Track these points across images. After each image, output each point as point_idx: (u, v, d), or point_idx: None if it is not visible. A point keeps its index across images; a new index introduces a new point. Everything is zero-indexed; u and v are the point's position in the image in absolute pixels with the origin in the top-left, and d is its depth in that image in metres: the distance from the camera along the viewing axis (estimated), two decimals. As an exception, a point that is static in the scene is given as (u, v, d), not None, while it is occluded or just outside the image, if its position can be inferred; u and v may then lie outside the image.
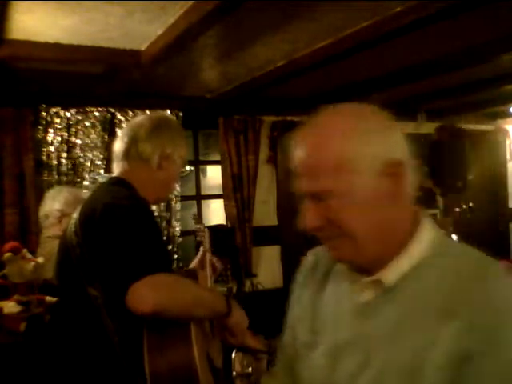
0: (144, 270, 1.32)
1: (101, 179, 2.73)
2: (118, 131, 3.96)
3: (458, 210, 3.05)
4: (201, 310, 1.47)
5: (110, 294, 1.42)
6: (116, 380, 1.44)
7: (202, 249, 2.12)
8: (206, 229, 2.18)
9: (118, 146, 1.67)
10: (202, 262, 2.07)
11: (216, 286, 2.62)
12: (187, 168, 1.83)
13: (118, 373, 1.44)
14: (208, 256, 2.07)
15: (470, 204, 3.05)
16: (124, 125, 3.97)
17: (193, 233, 4.44)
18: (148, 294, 1.29)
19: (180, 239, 4.23)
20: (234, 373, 2.45)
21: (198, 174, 4.72)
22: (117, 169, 1.67)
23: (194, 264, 2.11)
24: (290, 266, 4.76)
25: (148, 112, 3.97)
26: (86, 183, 3.75)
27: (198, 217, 2.32)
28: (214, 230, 4.34)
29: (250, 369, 2.44)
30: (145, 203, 1.55)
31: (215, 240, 2.31)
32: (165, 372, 1.36)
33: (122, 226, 1.41)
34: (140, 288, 1.29)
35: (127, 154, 1.63)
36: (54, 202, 2.82)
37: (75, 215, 1.56)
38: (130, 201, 1.50)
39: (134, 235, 1.39)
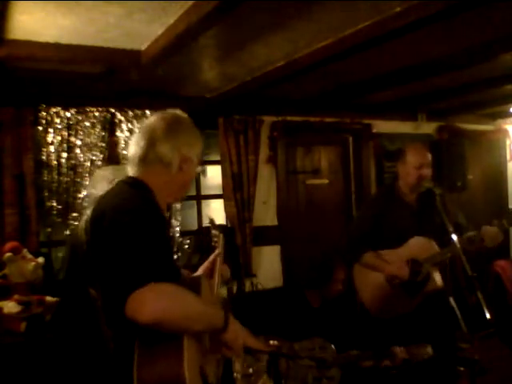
0: (144, 279, 1.30)
1: (102, 172, 2.72)
2: (118, 131, 3.96)
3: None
4: (197, 324, 1.44)
5: (108, 299, 1.42)
6: None
7: (215, 252, 2.09)
8: (221, 234, 2.17)
9: (134, 150, 1.62)
10: (211, 268, 2.04)
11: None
12: (201, 168, 1.80)
13: (111, 380, 1.43)
14: (219, 262, 2.04)
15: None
16: (124, 125, 3.97)
17: (196, 233, 4.45)
18: (146, 305, 1.28)
19: (180, 239, 4.23)
20: (235, 373, 2.46)
21: (198, 174, 4.72)
22: (132, 171, 1.63)
23: (203, 267, 2.07)
24: (289, 265, 4.76)
25: (148, 112, 3.97)
26: (86, 183, 3.74)
27: (212, 222, 2.33)
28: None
29: (250, 369, 2.44)
30: (156, 208, 1.51)
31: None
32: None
33: (127, 232, 1.38)
34: (139, 298, 1.28)
35: (145, 159, 1.59)
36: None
37: (88, 212, 1.55)
38: (140, 206, 1.47)
39: (138, 243, 1.37)
